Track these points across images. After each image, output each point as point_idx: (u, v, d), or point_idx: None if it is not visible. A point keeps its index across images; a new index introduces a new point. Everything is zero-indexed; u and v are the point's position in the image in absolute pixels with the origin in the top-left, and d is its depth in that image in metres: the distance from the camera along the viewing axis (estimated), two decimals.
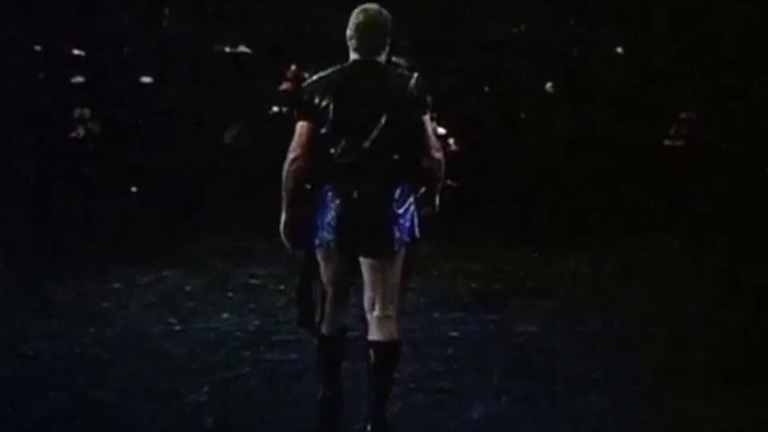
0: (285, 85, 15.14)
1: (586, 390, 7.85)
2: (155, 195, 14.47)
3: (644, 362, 8.62)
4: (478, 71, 14.98)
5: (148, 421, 7.10)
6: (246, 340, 9.10)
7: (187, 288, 10.98)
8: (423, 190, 6.89)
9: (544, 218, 13.76)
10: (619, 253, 12.64)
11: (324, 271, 6.93)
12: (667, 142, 15.07)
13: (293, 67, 15.09)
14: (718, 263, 12.33)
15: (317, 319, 6.99)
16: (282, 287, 10.83)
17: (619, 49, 15.40)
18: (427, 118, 6.85)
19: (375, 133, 6.74)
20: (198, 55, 14.96)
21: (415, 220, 6.81)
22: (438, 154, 6.82)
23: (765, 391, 7.85)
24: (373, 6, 6.90)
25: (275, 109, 15.28)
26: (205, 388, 7.77)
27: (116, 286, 10.99)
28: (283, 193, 6.87)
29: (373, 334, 6.78)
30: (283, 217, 6.89)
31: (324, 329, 7.01)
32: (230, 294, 10.75)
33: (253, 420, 7.21)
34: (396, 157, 6.76)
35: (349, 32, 6.83)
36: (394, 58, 7.73)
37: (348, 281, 7.01)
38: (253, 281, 11.30)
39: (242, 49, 15.24)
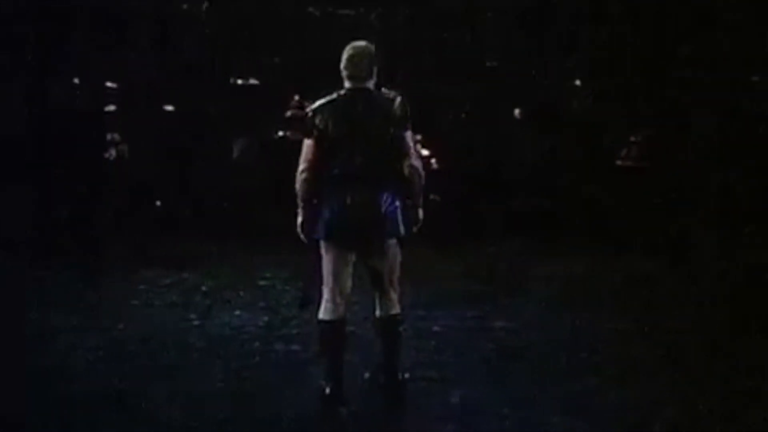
0: (289, 113, 15.09)
1: (558, 379, 7.74)
2: (176, 207, 14.42)
3: (611, 355, 8.52)
4: (456, 98, 14.91)
5: (170, 406, 6.97)
6: (256, 334, 9.04)
7: (204, 288, 10.93)
8: (408, 200, 7.23)
9: (518, 226, 13.68)
10: (587, 258, 12.56)
11: (326, 264, 7.22)
12: (619, 163, 15.02)
13: (297, 97, 15.04)
14: (676, 270, 12.22)
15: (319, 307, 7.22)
16: (287, 288, 10.82)
17: (578, 82, 15.32)
18: (408, 133, 7.21)
19: (365, 147, 7.11)
20: (214, 86, 14.96)
21: (400, 219, 7.14)
22: (417, 162, 7.23)
23: (723, 379, 7.81)
24: (361, 42, 7.31)
25: (281, 133, 15.26)
26: (221, 376, 7.73)
27: (142, 287, 10.94)
28: (298, 199, 7.31)
29: (379, 311, 7.27)
30: (299, 218, 7.30)
31: (324, 316, 7.21)
32: (242, 293, 10.68)
33: (263, 403, 7.13)
34: (382, 167, 7.12)
35: (342, 64, 7.24)
36: (383, 89, 7.73)
37: (346, 273, 7.21)
38: (262, 282, 11.24)
39: (252, 81, 15.23)
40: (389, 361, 7.27)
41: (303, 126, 7.38)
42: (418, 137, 13.95)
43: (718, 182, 13.93)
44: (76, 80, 15.17)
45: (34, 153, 14.01)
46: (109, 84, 15.26)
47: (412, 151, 7.25)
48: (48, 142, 14.22)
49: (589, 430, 6.71)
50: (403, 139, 7.17)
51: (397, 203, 7.13)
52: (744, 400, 7.24)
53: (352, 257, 7.22)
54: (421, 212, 7.27)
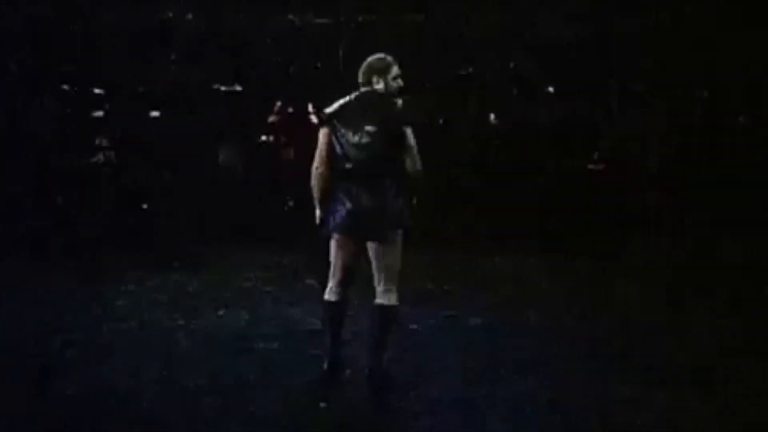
0: (271, 118, 15.12)
1: (527, 371, 7.84)
2: (162, 210, 14.42)
3: (576, 348, 8.60)
4: (435, 108, 14.94)
5: (157, 401, 7.06)
6: (239, 333, 9.05)
7: (190, 289, 10.94)
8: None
9: (489, 229, 13.73)
10: (553, 258, 12.62)
11: (334, 254, 7.61)
12: (590, 166, 15.08)
13: (278, 103, 15.07)
14: (638, 268, 12.31)
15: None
16: (269, 289, 10.90)
17: (551, 89, 15.38)
18: (409, 130, 7.41)
19: (371, 143, 7.35)
20: (198, 92, 14.96)
21: (405, 211, 7.47)
22: (418, 159, 7.42)
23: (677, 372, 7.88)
24: (381, 54, 7.67)
25: (263, 137, 15.28)
26: (205, 371, 7.78)
27: (130, 287, 10.94)
28: (314, 194, 7.61)
29: (379, 300, 7.49)
30: (318, 213, 7.61)
31: (329, 298, 7.65)
32: (226, 294, 10.66)
33: (244, 398, 7.16)
34: (389, 163, 7.38)
35: (360, 72, 7.61)
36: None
37: (352, 264, 7.61)
38: (245, 284, 11.24)
39: (236, 87, 15.23)
40: (380, 347, 7.53)
41: (322, 124, 7.58)
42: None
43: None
44: (65, 87, 15.16)
45: (24, 158, 14.05)
46: (97, 91, 15.22)
47: (413, 145, 7.43)
48: (39, 147, 14.26)
49: (559, 419, 6.82)
50: (404, 134, 7.39)
51: (402, 196, 7.44)
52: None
53: (360, 249, 7.55)
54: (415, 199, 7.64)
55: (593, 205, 14.17)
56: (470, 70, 15.13)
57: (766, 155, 14.16)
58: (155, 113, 15.18)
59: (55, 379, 7.50)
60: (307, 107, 14.91)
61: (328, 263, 7.65)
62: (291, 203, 14.16)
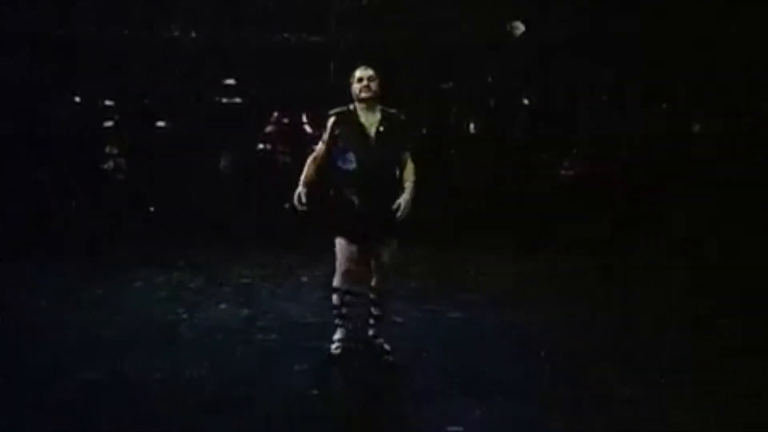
0: (268, 128, 15.11)
1: (503, 362, 7.91)
2: (168, 213, 14.40)
3: (548, 340, 8.64)
4: (418, 119, 14.93)
5: (162, 390, 7.09)
6: (238, 326, 9.08)
7: (192, 285, 10.92)
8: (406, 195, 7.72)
9: (469, 230, 13.73)
10: (529, 258, 12.65)
11: (338, 252, 7.84)
12: (562, 172, 15.08)
13: (275, 114, 15.06)
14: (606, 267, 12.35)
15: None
16: (266, 285, 10.91)
17: (526, 101, 15.37)
18: (407, 154, 7.81)
19: (371, 148, 7.65)
20: (202, 104, 14.96)
21: (399, 215, 7.63)
22: (412, 165, 7.80)
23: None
24: (366, 66, 7.83)
25: (261, 145, 15.26)
26: (207, 362, 7.80)
27: (137, 284, 10.93)
28: (302, 175, 7.78)
29: (375, 282, 7.95)
30: (298, 190, 7.69)
31: (336, 284, 7.97)
32: (226, 290, 10.67)
33: (244, 386, 7.20)
34: (386, 169, 7.68)
35: (352, 83, 7.80)
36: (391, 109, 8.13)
37: (354, 260, 7.80)
38: (243, 280, 11.23)
39: (236, 99, 15.20)
40: (378, 324, 8.09)
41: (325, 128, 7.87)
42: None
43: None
44: (77, 99, 15.15)
45: (42, 165, 14.08)
46: (107, 102, 15.19)
47: (410, 159, 7.80)
48: (55, 155, 14.29)
49: (530, 407, 6.84)
50: (403, 147, 7.78)
51: (398, 200, 7.65)
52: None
53: (360, 249, 7.81)
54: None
55: (567, 207, 14.20)
56: (451, 84, 15.14)
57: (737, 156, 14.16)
58: (161, 123, 15.16)
59: (67, 368, 7.53)
60: (300, 118, 14.94)
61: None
62: (287, 206, 14.15)
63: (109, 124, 15.13)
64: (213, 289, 10.69)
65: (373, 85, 7.73)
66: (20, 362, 7.75)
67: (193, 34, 14.99)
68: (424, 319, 9.47)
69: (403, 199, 7.68)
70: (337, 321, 8.08)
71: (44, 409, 6.64)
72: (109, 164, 14.98)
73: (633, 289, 11.14)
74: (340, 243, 7.83)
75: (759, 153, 13.87)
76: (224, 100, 15.26)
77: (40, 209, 13.61)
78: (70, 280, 11.05)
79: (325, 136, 7.84)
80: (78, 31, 14.45)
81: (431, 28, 14.70)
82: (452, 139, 15.03)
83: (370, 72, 7.76)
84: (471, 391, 7.13)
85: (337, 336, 8.08)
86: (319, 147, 7.87)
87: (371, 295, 8.06)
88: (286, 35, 14.93)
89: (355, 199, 7.67)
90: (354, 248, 7.79)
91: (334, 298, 8.02)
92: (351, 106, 7.81)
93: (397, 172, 7.76)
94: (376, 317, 8.12)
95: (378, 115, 7.77)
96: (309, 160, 7.85)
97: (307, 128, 14.77)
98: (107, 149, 15.08)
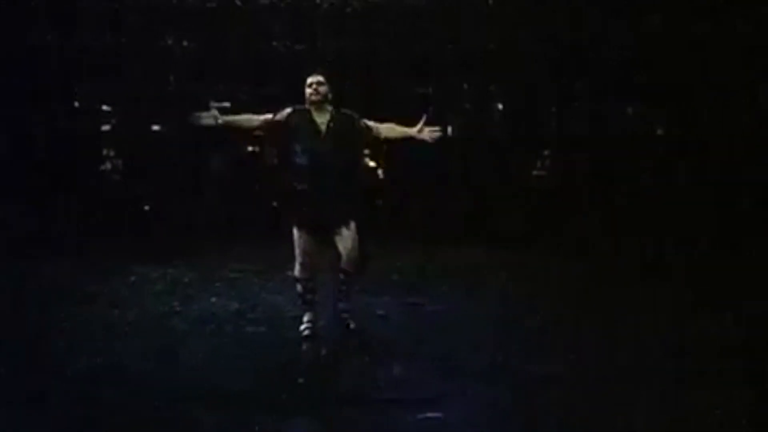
0: (257, 131, 15.07)
1: (481, 350, 7.87)
2: (162, 211, 14.39)
3: (526, 330, 8.68)
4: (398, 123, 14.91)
5: (157, 378, 7.07)
6: (228, 318, 9.05)
7: (186, 280, 10.89)
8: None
9: (446, 226, 13.75)
10: (504, 252, 12.66)
11: (296, 242, 8.21)
12: (534, 173, 15.12)
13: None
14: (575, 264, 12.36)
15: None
16: (255, 280, 10.88)
17: (500, 106, 15.38)
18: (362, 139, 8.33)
19: (322, 144, 8.06)
20: (193, 108, 14.91)
21: (355, 206, 8.23)
22: (365, 157, 8.63)
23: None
24: (317, 74, 8.22)
25: (250, 147, 15.25)
26: (199, 354, 7.78)
27: (133, 278, 10.91)
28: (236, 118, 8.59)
29: (342, 265, 8.18)
30: (216, 114, 8.51)
31: (296, 274, 8.35)
32: (217, 284, 10.64)
33: (235, 375, 7.18)
34: (340, 159, 8.09)
35: (306, 87, 8.16)
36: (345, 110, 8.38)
37: (312, 250, 8.22)
38: (234, 275, 11.19)
39: (225, 104, 15.18)
40: (344, 297, 8.43)
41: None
42: (367, 151, 14.04)
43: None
44: (76, 104, 15.12)
45: (42, 167, 14.05)
46: (104, 107, 15.17)
47: (364, 153, 8.56)
48: (52, 157, 14.26)
49: (507, 396, 6.83)
50: (359, 148, 8.61)
51: (352, 193, 8.21)
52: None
53: (318, 239, 8.18)
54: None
55: (540, 205, 14.23)
56: (430, 89, 15.15)
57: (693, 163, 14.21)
58: (156, 127, 15.14)
59: (68, 358, 7.51)
60: None
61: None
62: (275, 204, 14.13)
63: (106, 127, 15.10)
64: (205, 284, 10.66)
65: (321, 89, 8.13)
66: (21, 352, 7.72)
67: (185, 43, 14.99)
68: (405, 311, 9.44)
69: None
70: (303, 306, 8.44)
71: (44, 398, 6.60)
72: (106, 165, 14.96)
73: (604, 284, 11.10)
74: (296, 233, 8.23)
75: (724, 154, 13.93)
76: (215, 104, 15.22)
77: (41, 208, 13.56)
78: (70, 275, 11.01)
79: (277, 116, 8.23)
80: (77, 40, 14.43)
81: (411, 36, 14.73)
82: (429, 142, 15.01)
83: (319, 78, 8.16)
84: (450, 379, 7.11)
85: (305, 318, 8.41)
86: (265, 117, 8.32)
87: (340, 275, 8.32)
88: (273, 43, 14.95)
89: (309, 191, 8.05)
90: (310, 238, 8.19)
91: (298, 287, 8.41)
92: (306, 106, 8.20)
93: (351, 165, 8.30)
94: (342, 292, 8.45)
95: (328, 115, 8.17)
96: (250, 118, 8.50)
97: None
98: (104, 151, 15.05)
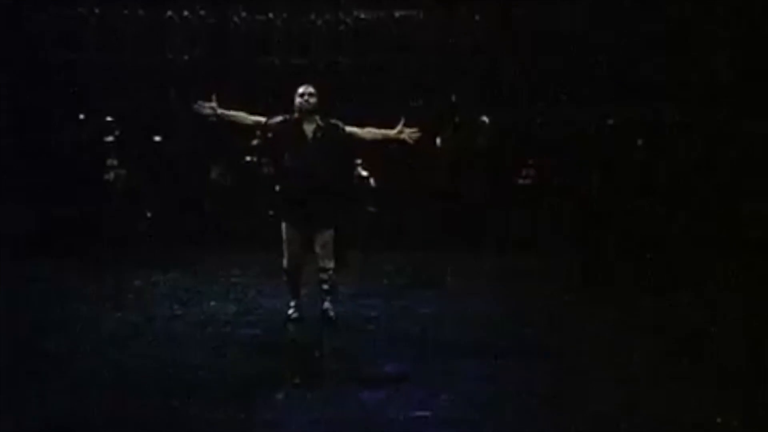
0: (255, 141, 15.06)
1: (468, 353, 7.83)
2: (163, 219, 14.37)
3: (509, 332, 8.66)
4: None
5: (158, 379, 7.02)
6: (227, 321, 9.00)
7: (186, 284, 10.88)
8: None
9: (433, 233, 13.74)
10: (487, 257, 12.65)
11: (283, 235, 8.48)
12: (519, 181, 15.12)
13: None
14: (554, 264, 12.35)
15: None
16: (252, 285, 10.85)
17: (485, 118, 15.37)
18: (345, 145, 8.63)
19: (308, 150, 8.35)
20: (193, 119, 14.96)
21: (335, 212, 8.59)
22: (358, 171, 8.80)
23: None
24: (308, 85, 8.49)
25: (248, 158, 15.25)
26: (199, 353, 7.73)
27: (136, 283, 10.90)
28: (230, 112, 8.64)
29: (321, 264, 8.53)
30: (213, 106, 8.67)
31: (284, 266, 8.60)
32: (216, 288, 10.62)
33: (232, 374, 7.14)
34: (324, 165, 8.40)
35: (296, 98, 8.43)
36: (332, 120, 8.57)
37: (295, 243, 8.47)
38: (232, 279, 11.21)
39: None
40: (328, 296, 8.66)
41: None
42: (359, 161, 14.04)
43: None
44: (81, 116, 15.12)
45: (50, 176, 14.07)
46: (108, 119, 15.16)
47: (351, 162, 8.81)
48: (59, 167, 14.27)
49: (492, 390, 6.77)
50: (343, 151, 8.65)
51: (334, 199, 8.53)
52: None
53: (302, 233, 8.45)
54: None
55: (523, 211, 14.25)
56: (420, 102, 15.15)
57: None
58: (158, 138, 15.14)
59: (72, 360, 7.48)
60: None
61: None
62: (271, 212, 14.14)
63: (110, 138, 15.10)
64: (204, 288, 10.65)
65: (312, 99, 8.39)
66: (28, 353, 7.71)
67: (186, 57, 15.00)
68: (396, 314, 9.41)
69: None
70: (290, 294, 8.79)
71: (50, 397, 6.55)
72: (110, 175, 14.95)
73: (585, 283, 11.26)
74: (284, 228, 8.49)
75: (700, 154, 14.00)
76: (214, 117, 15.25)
77: (48, 215, 13.56)
78: (76, 279, 11.07)
79: (269, 121, 8.50)
80: (83, 56, 14.47)
81: (403, 51, 14.77)
82: (420, 152, 15.04)
83: (310, 89, 8.43)
84: (439, 379, 7.07)
85: (292, 304, 8.79)
86: (258, 119, 8.56)
87: (321, 275, 8.59)
88: (270, 58, 14.96)
89: (295, 191, 8.40)
90: (295, 232, 8.45)
91: (284, 276, 8.71)
92: (296, 115, 8.44)
93: (335, 170, 8.60)
94: (325, 291, 8.66)
95: (315, 125, 8.41)
96: (246, 116, 8.61)
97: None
98: (108, 161, 15.05)
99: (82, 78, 14.58)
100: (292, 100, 8.45)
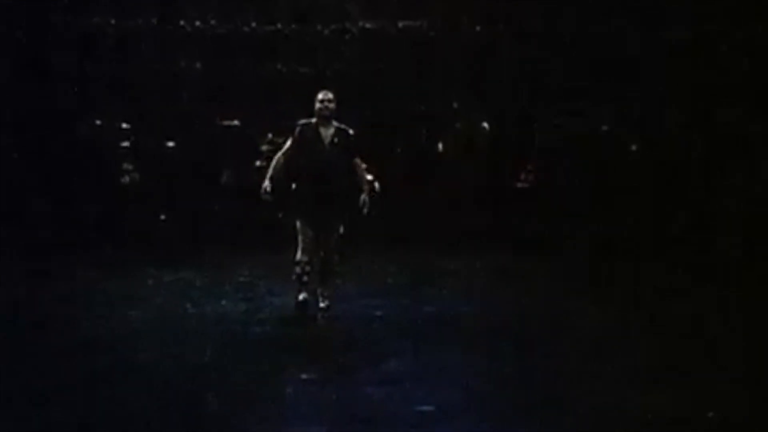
0: (264, 147, 15.05)
1: (469, 349, 7.84)
2: (176, 220, 14.35)
3: (509, 330, 8.62)
4: (394, 139, 14.93)
5: (170, 375, 7.01)
6: (237, 319, 8.99)
7: (198, 283, 10.86)
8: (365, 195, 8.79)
9: (434, 234, 13.69)
10: (487, 258, 12.60)
11: (298, 231, 8.70)
12: (518, 184, 15.07)
13: (270, 135, 15.00)
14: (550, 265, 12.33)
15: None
16: (261, 284, 10.79)
17: (485, 124, 15.32)
18: (358, 159, 8.83)
19: (325, 153, 8.62)
20: (204, 126, 15.01)
21: (345, 213, 8.79)
22: (362, 167, 8.87)
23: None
24: (328, 91, 8.73)
25: (258, 162, 15.22)
26: (210, 350, 7.70)
27: (150, 282, 10.89)
28: (269, 171, 8.72)
29: (323, 254, 8.82)
30: (265, 183, 8.64)
31: (297, 257, 8.71)
32: (227, 287, 10.57)
33: (241, 372, 7.10)
34: (336, 171, 8.63)
35: (316, 103, 8.67)
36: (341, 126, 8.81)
37: (309, 237, 8.67)
38: (242, 279, 11.15)
39: (234, 122, 15.19)
40: (324, 286, 8.92)
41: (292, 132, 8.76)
42: (365, 165, 14.00)
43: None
44: (98, 122, 15.14)
45: (68, 178, 14.08)
46: (123, 125, 15.18)
47: (359, 163, 8.83)
48: (75, 170, 14.28)
49: (489, 383, 6.78)
50: (354, 155, 8.74)
51: (345, 201, 8.71)
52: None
53: (314, 229, 8.66)
54: (368, 198, 8.82)
55: (523, 213, 14.20)
56: (423, 108, 15.12)
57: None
58: (171, 143, 15.14)
59: (88, 355, 7.45)
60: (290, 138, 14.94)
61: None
62: (280, 215, 14.12)
63: (125, 143, 15.10)
64: (216, 287, 10.61)
65: (331, 105, 8.65)
66: (46, 347, 7.73)
67: (198, 65, 15.04)
68: (399, 312, 9.36)
69: (364, 199, 8.78)
70: (299, 286, 8.82)
71: (67, 390, 6.53)
72: (125, 178, 14.93)
73: (581, 283, 11.20)
74: (299, 225, 8.69)
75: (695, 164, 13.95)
76: (225, 123, 15.26)
77: (65, 216, 13.56)
78: (92, 278, 11.08)
79: (290, 141, 8.75)
80: (101, 64, 14.54)
81: (406, 59, 14.80)
82: (423, 156, 15.03)
83: (329, 95, 8.67)
84: (443, 375, 7.04)
85: (301, 293, 8.85)
86: (286, 148, 8.78)
87: (320, 266, 8.85)
88: (278, 66, 15.00)
89: (311, 192, 8.61)
90: (309, 230, 8.66)
91: (297, 269, 8.75)
92: (312, 120, 8.70)
93: (345, 174, 8.72)
94: (321, 281, 8.92)
95: (332, 129, 8.70)
96: (275, 158, 8.80)
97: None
98: (124, 165, 15.03)
99: (99, 86, 14.63)
100: (305, 109, 8.78)
